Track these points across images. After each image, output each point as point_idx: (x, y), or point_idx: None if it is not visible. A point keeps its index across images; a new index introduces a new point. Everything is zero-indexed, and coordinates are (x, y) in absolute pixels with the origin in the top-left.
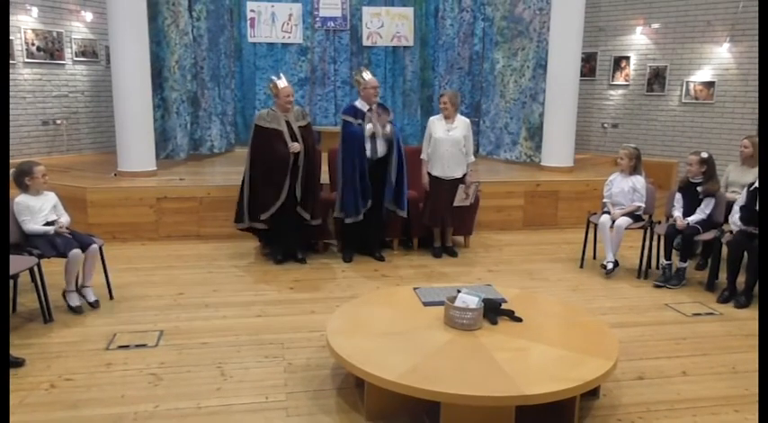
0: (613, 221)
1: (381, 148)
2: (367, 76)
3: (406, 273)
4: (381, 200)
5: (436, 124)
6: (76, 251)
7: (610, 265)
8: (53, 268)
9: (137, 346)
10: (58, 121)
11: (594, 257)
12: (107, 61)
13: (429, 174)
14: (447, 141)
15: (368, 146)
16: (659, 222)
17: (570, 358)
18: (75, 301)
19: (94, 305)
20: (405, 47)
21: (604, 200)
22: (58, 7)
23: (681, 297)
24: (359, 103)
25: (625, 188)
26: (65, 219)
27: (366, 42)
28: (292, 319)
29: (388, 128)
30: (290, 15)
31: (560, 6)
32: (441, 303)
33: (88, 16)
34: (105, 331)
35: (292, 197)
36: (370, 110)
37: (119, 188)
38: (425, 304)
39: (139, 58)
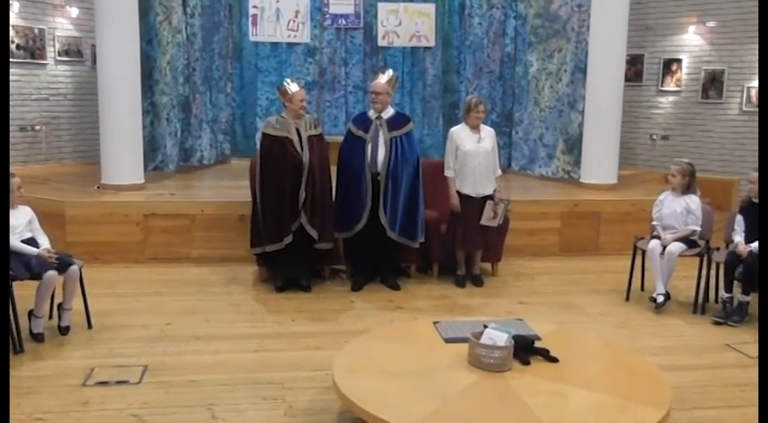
0: (664, 247)
1: (381, 165)
2: (378, 78)
3: (425, 304)
4: (392, 220)
5: (462, 135)
6: (52, 272)
7: (660, 298)
8: (25, 292)
9: (117, 382)
10: (37, 127)
11: (642, 289)
12: (93, 61)
13: (458, 193)
14: (479, 154)
15: (367, 157)
16: (718, 249)
17: (614, 405)
18: (38, 327)
19: (63, 331)
20: (425, 47)
21: (654, 223)
22: (41, 2)
23: (744, 336)
24: (371, 112)
25: (677, 209)
26: (46, 244)
27: (381, 42)
28: (294, 356)
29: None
30: (297, 12)
31: (602, 2)
32: (464, 340)
33: (73, 12)
34: (82, 365)
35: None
36: (378, 118)
37: (102, 203)
38: (447, 340)
39: (129, 58)
